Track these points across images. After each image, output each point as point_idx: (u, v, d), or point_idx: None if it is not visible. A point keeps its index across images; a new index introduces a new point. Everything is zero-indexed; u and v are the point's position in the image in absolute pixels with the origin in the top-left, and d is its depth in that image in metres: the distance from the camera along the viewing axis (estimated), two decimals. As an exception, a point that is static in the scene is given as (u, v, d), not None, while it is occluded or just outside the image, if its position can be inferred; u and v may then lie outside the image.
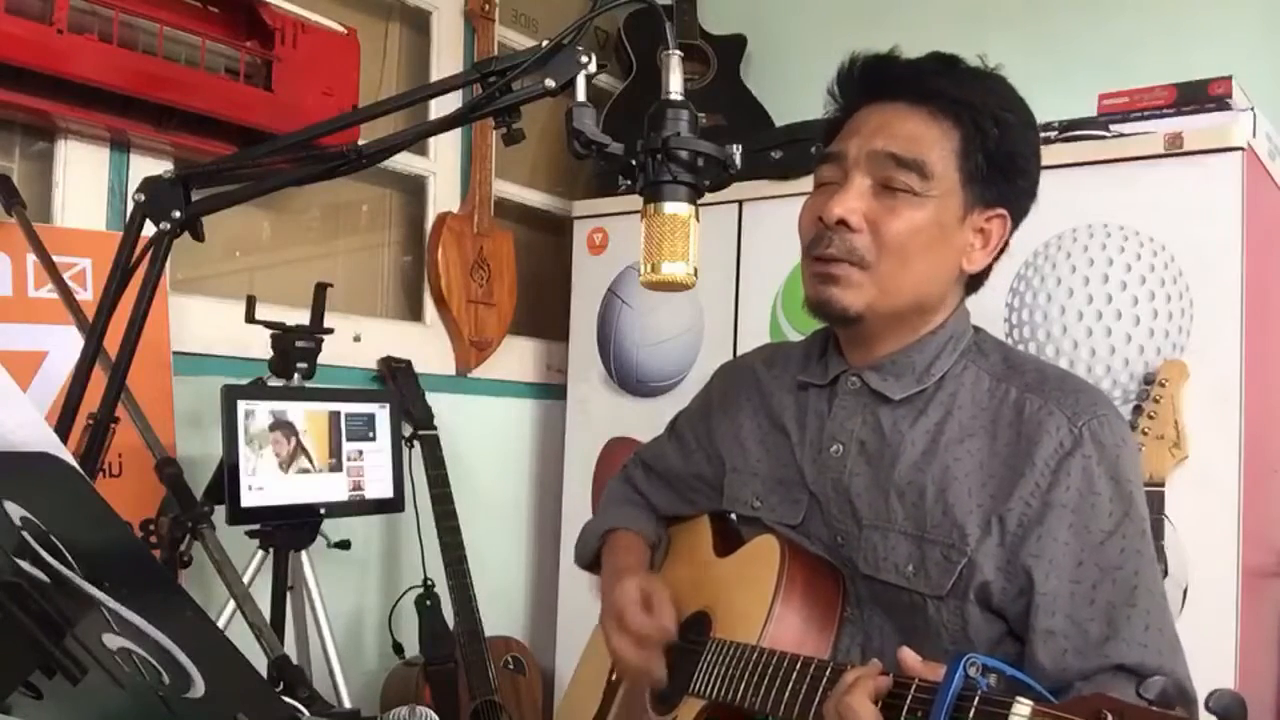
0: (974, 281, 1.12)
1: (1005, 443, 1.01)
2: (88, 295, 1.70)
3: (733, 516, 1.25)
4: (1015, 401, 1.03)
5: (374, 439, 1.87)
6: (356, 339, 2.23)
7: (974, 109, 1.03)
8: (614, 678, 1.31)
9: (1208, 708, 0.66)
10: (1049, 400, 1.01)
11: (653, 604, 1.17)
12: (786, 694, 0.95)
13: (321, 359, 1.85)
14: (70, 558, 0.66)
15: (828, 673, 0.92)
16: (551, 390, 2.71)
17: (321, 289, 1.86)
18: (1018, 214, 1.09)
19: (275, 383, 1.82)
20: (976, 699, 0.75)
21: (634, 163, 0.92)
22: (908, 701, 0.81)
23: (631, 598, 1.18)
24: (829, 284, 1.05)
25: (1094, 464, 0.98)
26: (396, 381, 2.21)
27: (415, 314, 2.48)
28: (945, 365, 1.07)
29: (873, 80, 1.09)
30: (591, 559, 1.38)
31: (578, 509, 2.48)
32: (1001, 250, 1.09)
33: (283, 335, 1.81)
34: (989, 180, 1.04)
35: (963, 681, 0.76)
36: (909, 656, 0.85)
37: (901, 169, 1.02)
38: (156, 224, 1.07)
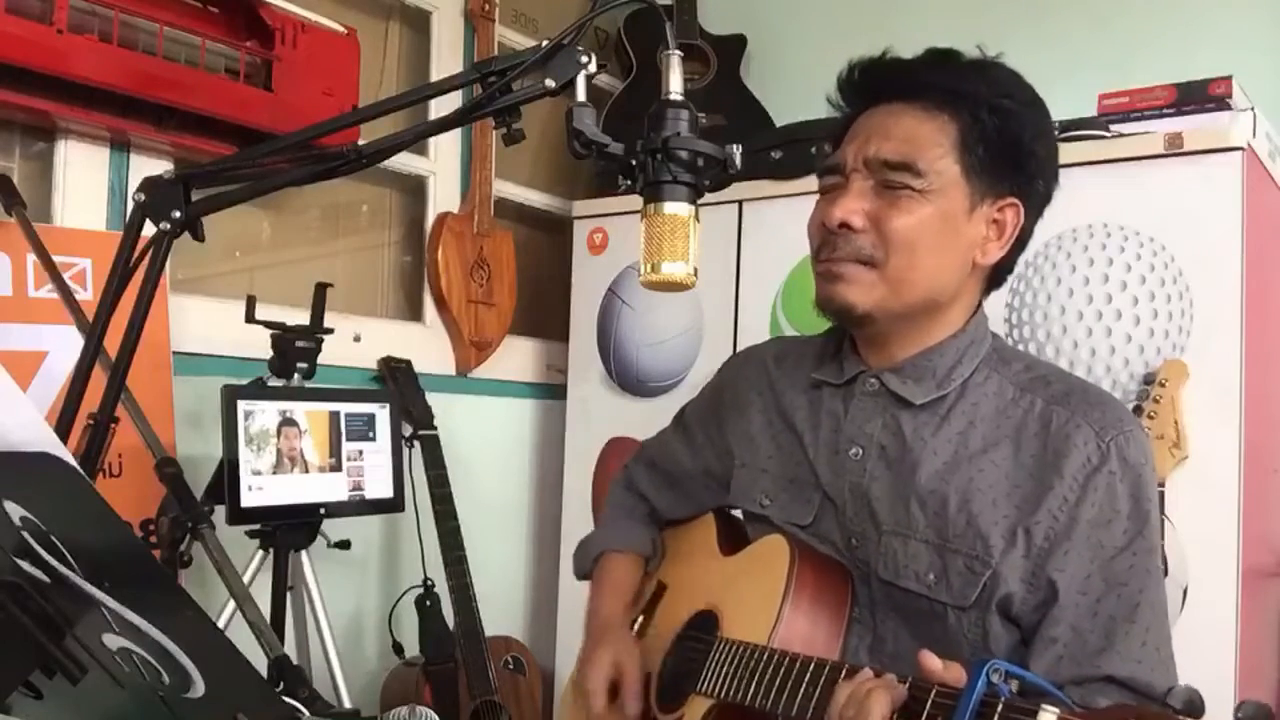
0: (995, 276, 1.11)
1: (1031, 454, 1.01)
2: (88, 295, 1.70)
3: (738, 514, 1.24)
4: (1041, 413, 1.02)
5: (374, 439, 1.87)
6: (356, 339, 2.23)
7: (969, 99, 1.03)
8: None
9: (1237, 718, 0.65)
10: (1076, 413, 1.00)
11: (621, 683, 1.20)
12: (800, 695, 0.95)
13: (321, 359, 1.85)
14: (70, 558, 0.66)
15: (841, 675, 0.92)
16: (551, 390, 2.71)
17: (321, 289, 1.86)
18: (1034, 202, 1.08)
19: (275, 383, 1.82)
20: (1000, 706, 0.74)
21: (634, 163, 0.92)
22: (927, 707, 0.80)
23: (598, 684, 1.20)
24: (835, 281, 1.05)
25: (1117, 481, 0.98)
26: (396, 381, 2.21)
27: (415, 314, 2.48)
28: (966, 371, 1.07)
29: (870, 84, 1.09)
30: (587, 576, 1.40)
31: (578, 509, 2.48)
32: (1020, 241, 1.08)
33: (283, 335, 1.81)
34: (995, 170, 1.04)
35: (985, 688, 0.75)
36: (930, 660, 0.83)
37: (894, 171, 1.02)
38: (156, 224, 1.07)
